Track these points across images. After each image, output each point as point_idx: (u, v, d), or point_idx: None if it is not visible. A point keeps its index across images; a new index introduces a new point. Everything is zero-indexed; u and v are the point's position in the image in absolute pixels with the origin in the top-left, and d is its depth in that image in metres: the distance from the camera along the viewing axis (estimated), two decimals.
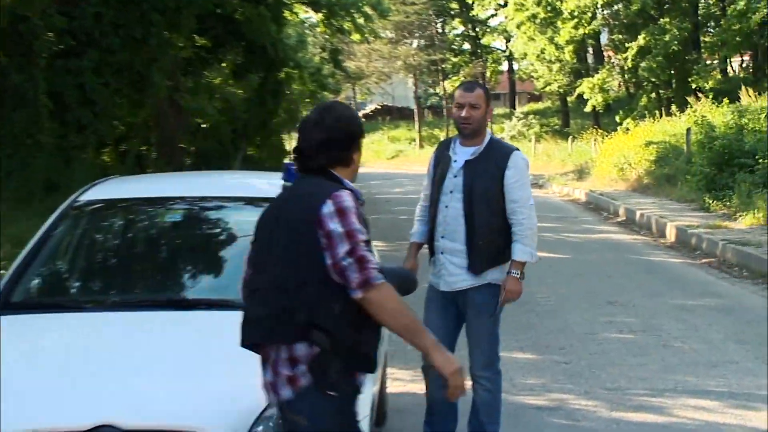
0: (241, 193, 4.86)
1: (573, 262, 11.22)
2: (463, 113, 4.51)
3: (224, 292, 4.03)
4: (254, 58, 17.93)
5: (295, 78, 23.34)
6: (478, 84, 4.77)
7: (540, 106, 48.45)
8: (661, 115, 25.15)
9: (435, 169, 4.70)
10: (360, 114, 53.46)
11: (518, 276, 4.52)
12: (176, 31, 13.23)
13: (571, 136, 32.20)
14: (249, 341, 2.98)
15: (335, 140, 3.00)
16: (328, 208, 2.86)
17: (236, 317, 3.55)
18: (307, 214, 2.88)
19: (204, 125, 17.17)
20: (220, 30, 16.71)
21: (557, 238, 13.29)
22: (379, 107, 56.43)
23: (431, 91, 54.87)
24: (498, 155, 4.53)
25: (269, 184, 4.84)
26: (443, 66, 45.49)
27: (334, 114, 3.04)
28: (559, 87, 35.99)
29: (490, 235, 4.48)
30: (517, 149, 4.65)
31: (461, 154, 4.58)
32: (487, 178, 4.48)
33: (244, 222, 4.66)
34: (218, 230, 4.61)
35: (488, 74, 47.81)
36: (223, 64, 18.12)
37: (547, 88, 37.37)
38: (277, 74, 19.88)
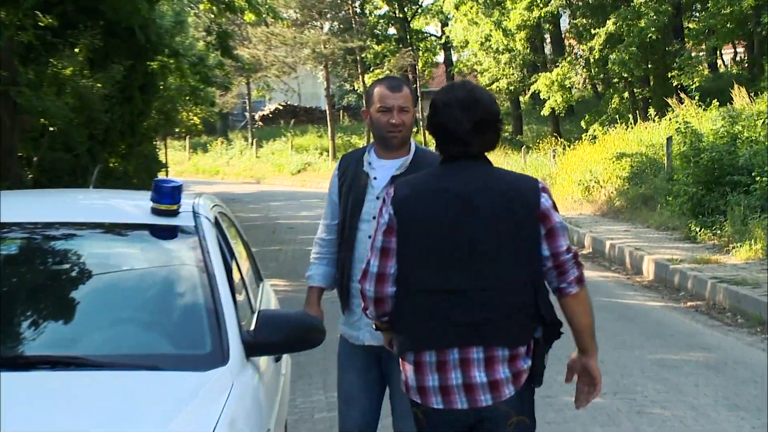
0: (98, 217, 4.79)
1: None
2: (394, 119, 4.55)
3: (74, 346, 3.96)
4: (117, 43, 17.71)
5: (171, 69, 23.15)
6: (403, 81, 4.83)
7: None
8: (635, 121, 25.71)
9: (341, 191, 4.72)
10: (256, 116, 53.34)
11: None
12: (12, 7, 13.01)
13: (524, 146, 32.68)
14: (466, 344, 3.55)
15: (490, 123, 3.65)
16: (548, 201, 3.66)
17: (91, 378, 3.45)
18: (526, 208, 3.59)
19: (51, 129, 16.90)
20: (71, 6, 16.48)
21: None
22: (282, 107, 56.32)
23: (347, 87, 55.11)
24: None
25: (136, 207, 4.79)
26: (363, 56, 45.74)
27: (484, 94, 3.68)
28: (509, 84, 36.52)
29: None
30: None
31: (382, 169, 4.61)
32: None
33: (102, 255, 4.59)
34: (67, 266, 4.54)
35: (420, 67, 48.28)
36: (76, 50, 17.88)
37: (494, 86, 37.84)
38: (147, 64, 19.68)
